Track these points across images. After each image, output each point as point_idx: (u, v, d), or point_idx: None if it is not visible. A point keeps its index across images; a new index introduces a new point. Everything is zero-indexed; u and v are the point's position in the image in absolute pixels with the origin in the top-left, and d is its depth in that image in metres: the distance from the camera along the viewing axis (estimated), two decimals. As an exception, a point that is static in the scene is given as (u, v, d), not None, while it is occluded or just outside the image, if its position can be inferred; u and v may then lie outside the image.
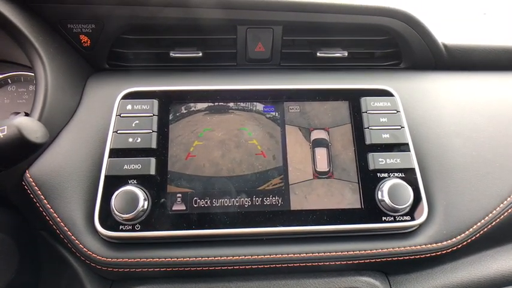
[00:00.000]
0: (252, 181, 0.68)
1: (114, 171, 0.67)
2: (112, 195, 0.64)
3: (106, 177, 0.66)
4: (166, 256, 0.64)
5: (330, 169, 0.70)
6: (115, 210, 0.63)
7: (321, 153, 0.71)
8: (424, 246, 0.67)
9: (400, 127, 0.73)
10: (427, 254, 0.68)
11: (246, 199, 0.67)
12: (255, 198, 0.67)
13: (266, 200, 0.67)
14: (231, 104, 0.74)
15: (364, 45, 0.88)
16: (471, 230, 0.69)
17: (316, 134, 0.72)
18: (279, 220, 0.66)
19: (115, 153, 0.68)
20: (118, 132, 0.69)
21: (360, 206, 0.67)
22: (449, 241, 0.68)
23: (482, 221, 0.69)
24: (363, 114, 0.74)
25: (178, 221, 0.65)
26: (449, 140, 0.76)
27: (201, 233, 0.65)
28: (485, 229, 0.69)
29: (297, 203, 0.67)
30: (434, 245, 0.68)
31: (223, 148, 0.70)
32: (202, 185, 0.67)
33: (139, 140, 0.69)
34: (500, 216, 0.70)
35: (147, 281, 0.70)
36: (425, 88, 0.83)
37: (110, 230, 0.63)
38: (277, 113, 0.74)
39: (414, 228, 0.69)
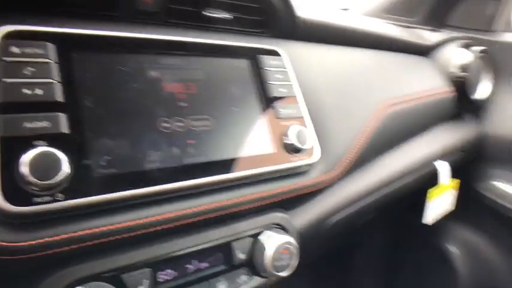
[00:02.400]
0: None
1: (12, 131, 0.51)
2: (18, 161, 0.49)
3: (2, 139, 0.50)
4: (102, 224, 0.55)
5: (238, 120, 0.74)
6: (27, 179, 0.49)
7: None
8: (318, 179, 0.82)
9: (291, 83, 0.84)
10: (321, 185, 0.83)
11: (176, 153, 0.64)
12: (180, 151, 0.65)
13: (190, 152, 0.66)
14: (143, 54, 0.67)
15: (241, 10, 0.95)
16: (348, 160, 0.89)
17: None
18: (199, 171, 0.66)
19: (6, 108, 0.52)
20: (7, 81, 0.52)
21: (272, 151, 0.76)
22: (335, 171, 0.86)
23: (351, 153, 0.90)
24: (261, 70, 0.81)
25: (108, 183, 0.56)
26: (320, 96, 0.93)
27: (134, 194, 0.58)
28: (354, 157, 0.91)
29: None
30: (326, 176, 0.84)
31: (138, 99, 0.64)
32: (127, 141, 0.60)
33: (39, 91, 0.54)
34: (358, 145, 0.93)
35: None
36: (296, 53, 0.98)
37: (21, 205, 0.49)
38: (189, 66, 0.72)
39: (309, 168, 0.83)
